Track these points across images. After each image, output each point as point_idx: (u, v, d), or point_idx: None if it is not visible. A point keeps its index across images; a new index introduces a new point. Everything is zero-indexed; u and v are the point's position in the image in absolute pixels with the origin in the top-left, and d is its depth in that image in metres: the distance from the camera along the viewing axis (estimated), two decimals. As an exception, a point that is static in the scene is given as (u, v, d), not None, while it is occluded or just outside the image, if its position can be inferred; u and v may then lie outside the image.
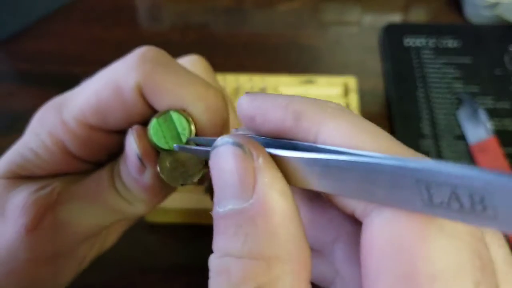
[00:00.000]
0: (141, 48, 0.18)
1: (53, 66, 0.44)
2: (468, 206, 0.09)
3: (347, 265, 0.15)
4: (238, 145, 0.12)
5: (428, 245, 0.10)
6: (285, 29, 0.48)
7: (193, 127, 0.17)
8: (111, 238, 0.22)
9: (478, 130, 0.36)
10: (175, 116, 0.17)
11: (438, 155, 0.35)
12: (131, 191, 0.18)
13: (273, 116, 0.13)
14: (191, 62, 0.21)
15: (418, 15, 0.48)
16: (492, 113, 0.37)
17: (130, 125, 0.18)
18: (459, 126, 0.37)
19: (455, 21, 0.46)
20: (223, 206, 0.12)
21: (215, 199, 0.13)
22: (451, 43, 0.43)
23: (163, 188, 0.18)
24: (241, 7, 0.51)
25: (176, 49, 0.45)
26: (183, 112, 0.17)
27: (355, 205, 0.12)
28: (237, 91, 0.38)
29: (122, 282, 0.30)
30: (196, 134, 0.17)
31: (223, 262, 0.12)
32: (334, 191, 0.12)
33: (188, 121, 0.17)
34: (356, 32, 0.46)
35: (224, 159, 0.12)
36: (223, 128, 0.18)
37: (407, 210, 0.10)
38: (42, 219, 0.18)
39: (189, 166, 0.17)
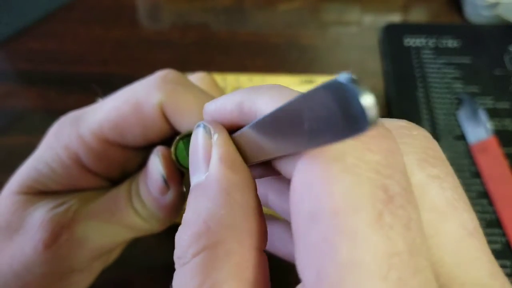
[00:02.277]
0: (162, 70, 0.19)
1: (53, 65, 0.44)
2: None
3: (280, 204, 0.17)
4: (203, 126, 0.14)
5: (332, 184, 0.10)
6: (285, 29, 0.48)
7: None
8: (117, 251, 0.22)
9: (478, 130, 0.36)
10: None
11: (438, 155, 0.35)
12: (149, 210, 0.18)
13: (225, 113, 0.14)
14: (199, 78, 0.22)
15: (418, 15, 0.48)
16: (492, 113, 0.37)
17: (146, 141, 0.19)
18: (459, 126, 0.37)
19: (455, 21, 0.47)
20: (191, 182, 0.13)
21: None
22: (451, 43, 0.43)
23: (180, 206, 0.19)
24: (241, 7, 0.51)
25: (176, 49, 0.45)
26: None
27: (288, 167, 0.12)
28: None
29: (120, 281, 0.30)
30: None
31: (180, 230, 0.13)
32: (270, 155, 0.12)
33: None
34: (356, 32, 0.46)
35: (194, 138, 0.14)
36: None
37: (307, 148, 0.10)
38: (59, 236, 0.18)
39: None
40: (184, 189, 0.18)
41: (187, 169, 0.17)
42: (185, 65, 0.43)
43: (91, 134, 0.18)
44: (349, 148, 0.10)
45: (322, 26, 0.48)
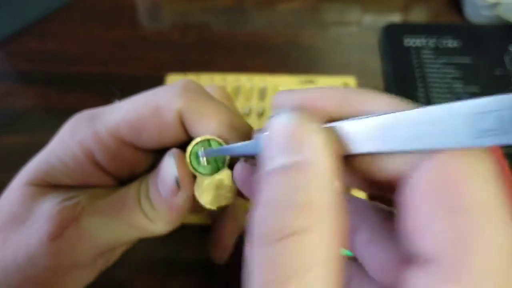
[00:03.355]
0: (183, 80, 0.19)
1: (54, 65, 0.44)
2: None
3: (369, 248, 0.16)
4: (296, 112, 0.13)
5: (465, 183, 0.12)
6: (285, 29, 0.48)
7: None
8: (119, 251, 0.23)
9: (478, 130, 0.36)
10: (213, 143, 0.18)
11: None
12: (157, 211, 0.19)
13: (321, 104, 0.14)
14: (214, 90, 0.23)
15: (418, 15, 0.48)
16: (492, 113, 0.37)
17: (160, 145, 0.19)
18: (459, 126, 0.37)
19: (455, 21, 0.47)
20: (272, 164, 0.13)
21: (263, 161, 0.13)
22: (451, 43, 0.43)
23: (188, 209, 0.19)
24: (241, 7, 0.51)
25: (176, 49, 0.45)
26: (219, 139, 0.18)
27: (395, 163, 0.13)
28: (237, 90, 0.38)
29: (119, 281, 0.30)
30: (230, 160, 0.18)
31: (265, 210, 0.13)
32: (382, 149, 0.13)
33: None
34: (356, 32, 0.46)
35: (283, 121, 0.13)
36: None
37: (452, 147, 0.12)
38: (65, 229, 0.18)
39: (223, 189, 0.18)
40: (196, 193, 0.18)
41: (200, 173, 0.18)
42: (185, 65, 0.43)
43: (108, 132, 0.19)
44: (484, 155, 0.12)
45: (322, 26, 0.48)
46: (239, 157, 0.17)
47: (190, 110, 0.18)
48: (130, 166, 0.20)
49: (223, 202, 0.19)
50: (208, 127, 0.18)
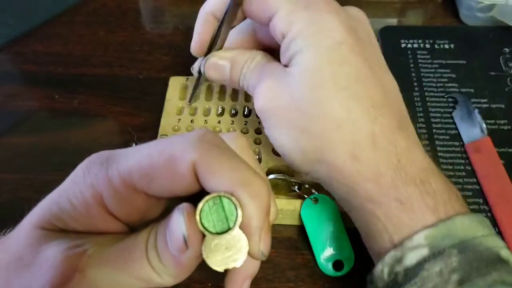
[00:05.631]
0: (200, 129, 0.19)
1: (58, 67, 0.45)
2: None
3: None
4: None
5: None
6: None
7: (240, 212, 0.17)
8: None
9: (473, 130, 0.37)
10: (225, 201, 0.17)
11: (434, 154, 0.36)
12: (164, 265, 0.18)
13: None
14: (233, 138, 0.22)
15: (415, 18, 0.49)
16: (487, 114, 0.38)
17: (171, 194, 0.19)
18: (454, 126, 0.38)
19: (451, 23, 0.47)
20: None
21: None
22: (447, 45, 0.44)
23: (195, 266, 0.18)
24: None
25: (179, 51, 0.46)
26: (232, 197, 0.17)
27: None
28: (237, 91, 0.39)
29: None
30: (242, 221, 0.17)
31: None
32: None
33: (235, 206, 0.17)
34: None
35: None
36: (267, 214, 0.18)
37: None
38: (69, 279, 0.18)
39: (232, 251, 0.17)
40: (203, 253, 0.17)
41: (209, 232, 0.17)
42: (187, 68, 0.44)
43: (120, 178, 0.18)
44: None
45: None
46: None
47: (203, 163, 0.17)
48: (141, 212, 0.20)
49: (231, 265, 0.18)
50: (220, 184, 0.17)
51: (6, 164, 0.38)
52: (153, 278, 0.18)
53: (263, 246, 0.18)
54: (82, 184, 0.19)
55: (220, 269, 0.18)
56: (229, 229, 0.17)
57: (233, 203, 0.17)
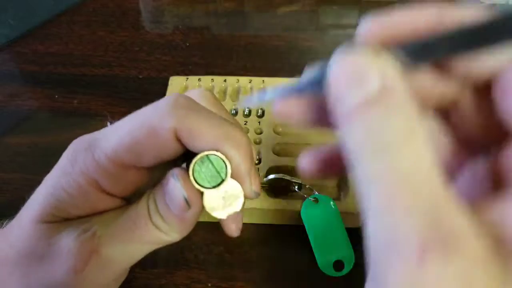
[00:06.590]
0: (172, 95, 0.20)
1: (58, 67, 0.45)
2: None
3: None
4: (360, 48, 0.14)
5: None
6: (285, 32, 0.49)
7: (228, 164, 0.19)
8: (128, 269, 0.23)
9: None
10: (212, 157, 0.19)
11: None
12: (169, 225, 0.19)
13: (413, 27, 0.14)
14: (200, 96, 0.23)
15: (415, 19, 0.49)
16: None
17: (160, 161, 0.19)
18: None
19: (452, 24, 0.47)
20: (349, 102, 0.13)
21: (335, 101, 0.14)
22: (447, 45, 0.44)
23: (199, 217, 0.20)
24: (241, 11, 0.52)
25: (178, 51, 0.46)
26: (217, 153, 0.18)
27: (489, 61, 0.13)
28: (237, 92, 0.39)
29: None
30: (232, 170, 0.19)
31: (360, 151, 0.12)
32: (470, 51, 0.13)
33: (223, 160, 0.19)
34: (355, 35, 0.47)
35: (350, 58, 0.14)
36: (252, 158, 0.20)
37: None
38: (88, 261, 0.19)
39: (231, 199, 0.19)
40: (206, 207, 0.19)
41: (206, 188, 0.19)
42: (187, 67, 0.44)
43: (107, 159, 0.19)
44: None
45: (321, 29, 0.49)
46: (301, 93, 0.17)
47: (184, 129, 0.18)
48: (135, 185, 0.21)
49: (232, 211, 0.19)
50: (205, 144, 0.18)
51: (6, 164, 0.38)
52: (161, 237, 0.20)
53: (254, 186, 0.20)
54: (73, 173, 0.20)
55: (224, 216, 0.19)
56: (222, 180, 0.19)
57: (220, 158, 0.19)
